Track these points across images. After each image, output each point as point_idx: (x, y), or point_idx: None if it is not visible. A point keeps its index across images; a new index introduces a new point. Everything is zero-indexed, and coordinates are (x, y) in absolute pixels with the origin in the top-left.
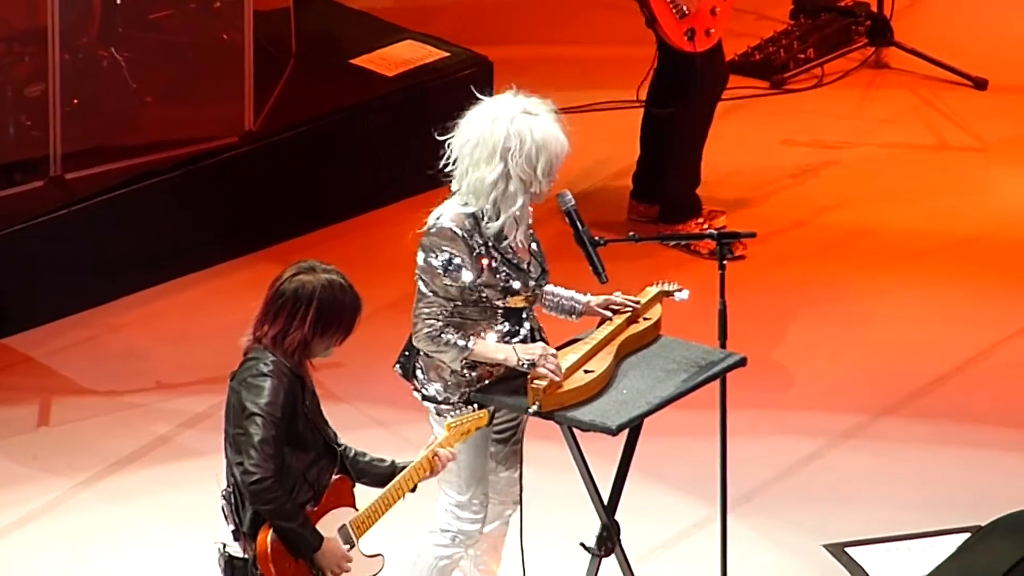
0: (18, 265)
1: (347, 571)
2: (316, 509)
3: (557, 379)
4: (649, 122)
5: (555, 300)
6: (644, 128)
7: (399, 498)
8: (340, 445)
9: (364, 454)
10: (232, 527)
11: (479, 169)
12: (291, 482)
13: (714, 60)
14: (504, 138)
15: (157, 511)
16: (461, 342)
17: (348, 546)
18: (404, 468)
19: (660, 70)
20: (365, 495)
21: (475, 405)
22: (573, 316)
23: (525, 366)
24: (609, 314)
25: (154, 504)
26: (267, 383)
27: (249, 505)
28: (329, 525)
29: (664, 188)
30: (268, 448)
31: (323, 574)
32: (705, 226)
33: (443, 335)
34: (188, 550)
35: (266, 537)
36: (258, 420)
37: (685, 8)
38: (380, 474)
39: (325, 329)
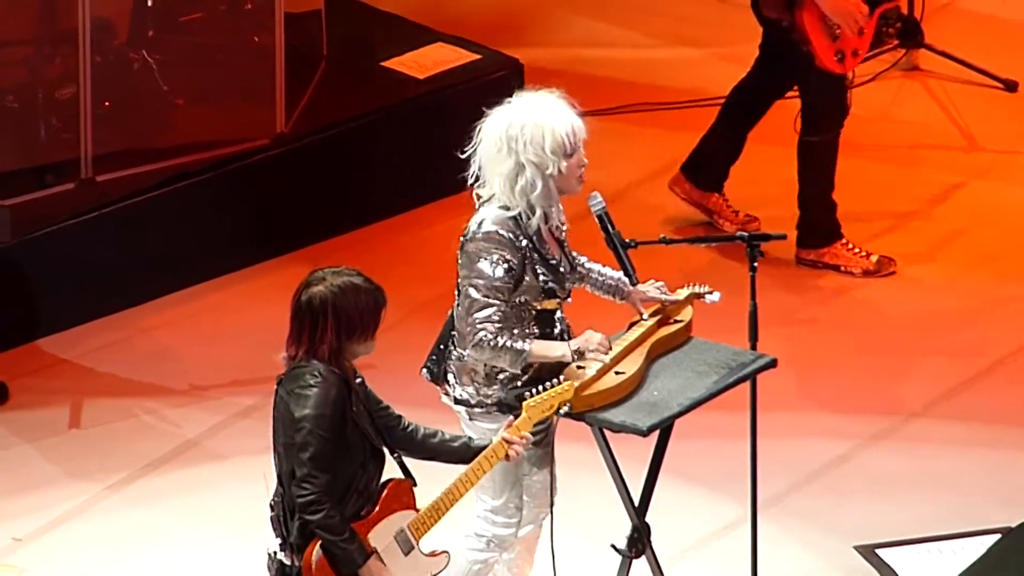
0: (49, 267)
1: None
2: (374, 514)
3: (605, 357)
4: (806, 153)
5: (601, 279)
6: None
7: (465, 492)
8: (407, 427)
9: (435, 433)
10: (279, 539)
11: (498, 167)
12: (341, 491)
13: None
14: (507, 126)
15: (188, 515)
16: (518, 345)
17: (407, 550)
18: (479, 446)
19: (809, 99)
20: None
21: (548, 408)
22: (617, 297)
23: (574, 358)
24: (643, 311)
25: (185, 507)
26: (314, 393)
27: (297, 515)
28: (387, 530)
29: (804, 215)
30: (318, 463)
31: None
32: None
33: (499, 339)
34: (219, 554)
35: (312, 553)
36: (306, 434)
37: (837, 30)
38: (454, 451)
39: (351, 333)
